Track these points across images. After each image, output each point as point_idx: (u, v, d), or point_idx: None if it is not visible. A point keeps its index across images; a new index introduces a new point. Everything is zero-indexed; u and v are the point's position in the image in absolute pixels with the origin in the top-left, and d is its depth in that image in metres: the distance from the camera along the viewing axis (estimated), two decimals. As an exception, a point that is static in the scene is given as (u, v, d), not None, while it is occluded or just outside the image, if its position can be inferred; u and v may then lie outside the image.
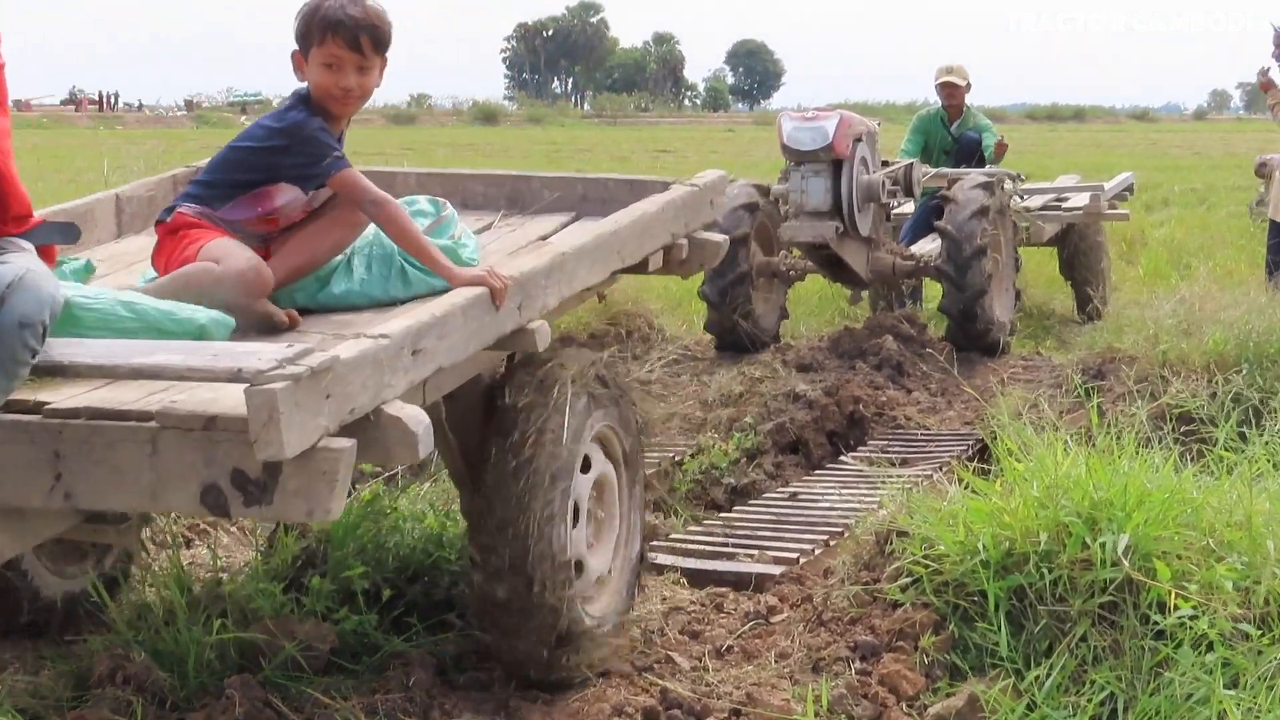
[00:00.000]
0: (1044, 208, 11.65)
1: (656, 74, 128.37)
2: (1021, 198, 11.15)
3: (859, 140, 9.40)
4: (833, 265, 9.73)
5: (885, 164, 10.10)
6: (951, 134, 11.88)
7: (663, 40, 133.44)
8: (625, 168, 30.90)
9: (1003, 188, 9.99)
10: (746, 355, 9.57)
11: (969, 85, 11.84)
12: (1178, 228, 17.01)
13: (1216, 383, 6.43)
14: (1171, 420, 5.77)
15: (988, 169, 11.06)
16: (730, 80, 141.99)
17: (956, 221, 9.49)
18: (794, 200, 9.34)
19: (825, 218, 9.23)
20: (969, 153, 11.65)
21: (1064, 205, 11.65)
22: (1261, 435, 4.68)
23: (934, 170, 10.84)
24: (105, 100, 75.20)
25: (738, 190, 9.60)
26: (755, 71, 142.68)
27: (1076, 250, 12.22)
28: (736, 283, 9.53)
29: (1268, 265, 9.96)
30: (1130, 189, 13.41)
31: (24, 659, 4.35)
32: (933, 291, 11.53)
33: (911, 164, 10.11)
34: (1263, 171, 17.59)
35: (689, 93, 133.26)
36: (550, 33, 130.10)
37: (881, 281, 10.37)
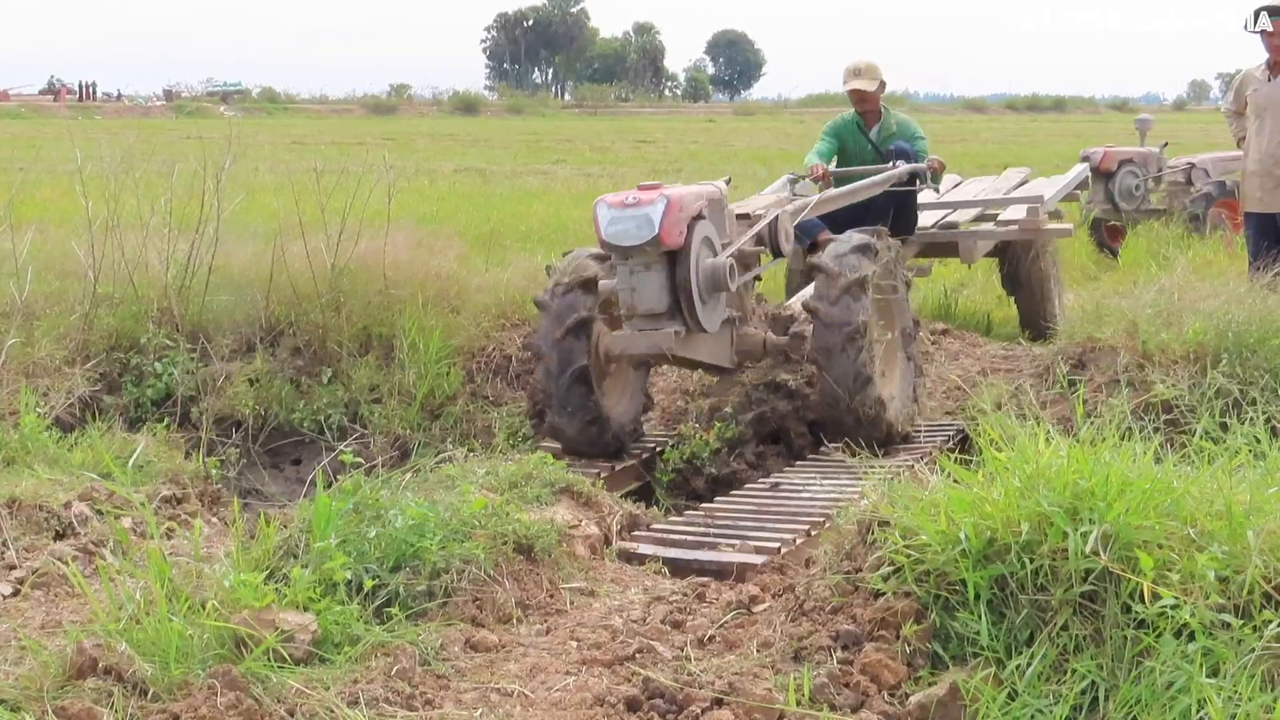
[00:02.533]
0: (978, 219, 10.90)
1: (637, 64, 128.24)
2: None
3: (698, 218, 7.33)
4: (684, 361, 7.79)
5: (744, 217, 8.13)
6: (872, 143, 10.15)
7: (643, 30, 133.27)
8: (606, 158, 30.90)
9: (883, 240, 8.02)
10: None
11: (883, 84, 10.13)
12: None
13: (1197, 373, 6.45)
14: (1153, 410, 5.78)
15: (902, 167, 9.62)
16: (711, 71, 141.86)
17: (827, 297, 7.50)
18: (624, 301, 7.29)
19: (663, 319, 7.22)
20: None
21: (1000, 218, 10.69)
22: (1242, 425, 4.69)
23: (809, 195, 8.99)
24: (84, 90, 74.90)
25: (572, 264, 7.66)
26: (736, 62, 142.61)
27: (1019, 264, 11.17)
28: (576, 381, 7.36)
29: (1250, 258, 9.99)
30: (1085, 183, 12.98)
31: (5, 649, 4.34)
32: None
33: (777, 216, 8.00)
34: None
35: (669, 83, 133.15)
36: (531, 23, 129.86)
37: (753, 361, 8.35)
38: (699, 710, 3.87)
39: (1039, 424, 4.31)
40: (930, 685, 3.85)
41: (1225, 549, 3.81)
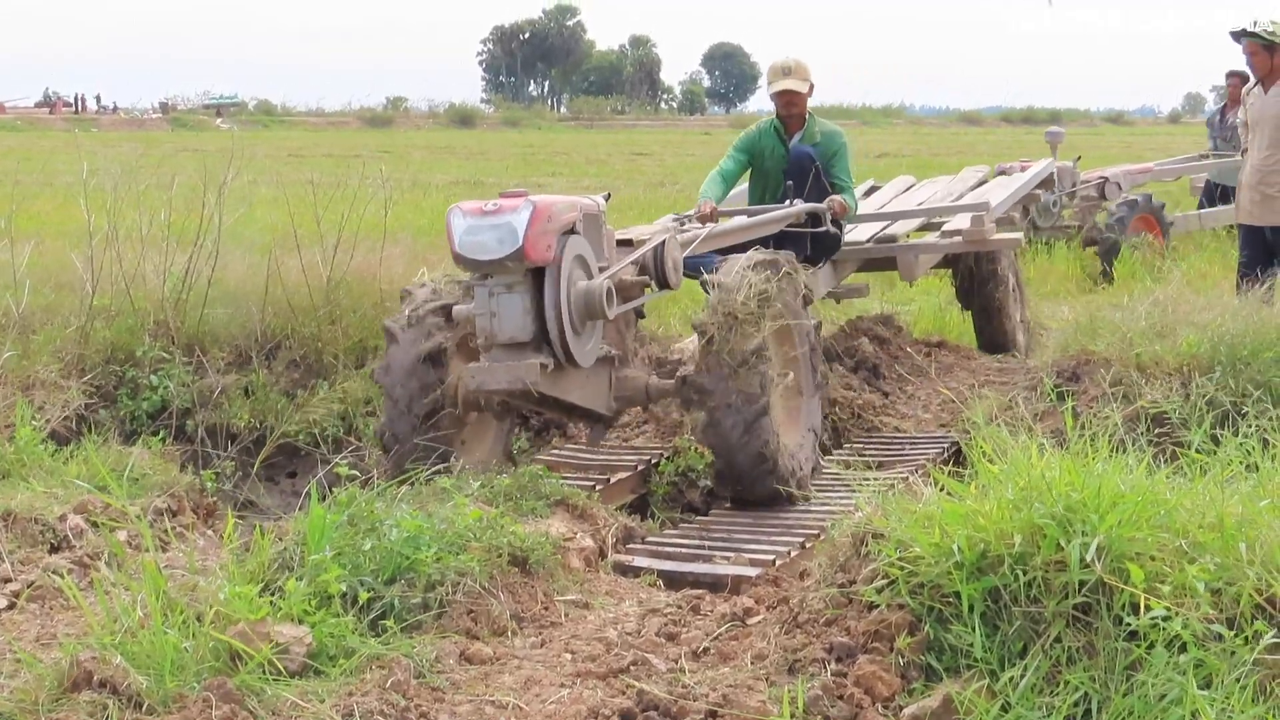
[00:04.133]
0: (923, 229, 10.15)
1: (633, 77, 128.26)
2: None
3: (570, 233, 6.40)
4: (554, 403, 6.77)
5: (627, 244, 7.18)
6: (789, 150, 9.13)
7: (639, 43, 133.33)
8: (602, 170, 30.93)
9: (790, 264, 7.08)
10: None
11: (812, 87, 9.12)
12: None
13: (1191, 385, 6.47)
14: (1145, 422, 5.80)
15: (799, 206, 8.60)
16: (706, 83, 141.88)
17: (716, 375, 6.47)
18: (482, 328, 6.29)
19: (527, 350, 6.26)
20: (801, 172, 8.92)
21: (945, 227, 9.70)
22: (1235, 437, 4.70)
23: (701, 228, 7.93)
24: (81, 102, 74.84)
25: (427, 292, 6.78)
26: (732, 75, 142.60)
27: (972, 275, 10.22)
28: (428, 417, 6.52)
29: (1240, 270, 10.01)
30: (1050, 181, 12.13)
31: (0, 662, 4.35)
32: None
33: (664, 243, 6.99)
34: None
35: (665, 96, 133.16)
36: (527, 35, 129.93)
37: (634, 407, 7.55)
38: (693, 722, 3.88)
39: (1032, 436, 4.32)
40: (924, 697, 3.86)
41: (1217, 561, 3.83)
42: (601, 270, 6.64)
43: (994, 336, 10.34)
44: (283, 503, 7.84)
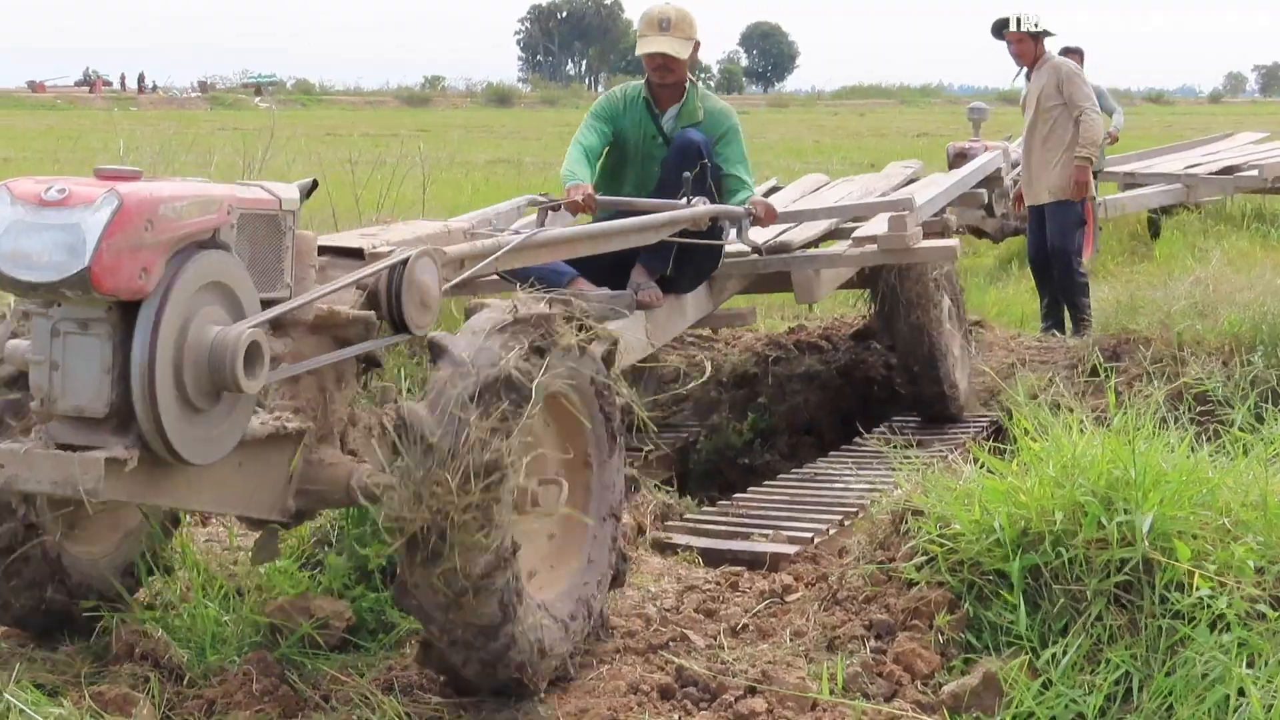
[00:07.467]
0: (829, 237, 7.74)
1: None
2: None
3: (210, 245, 3.56)
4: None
5: (354, 255, 4.28)
6: (664, 134, 6.76)
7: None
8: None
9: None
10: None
11: (697, 46, 6.79)
12: (1193, 211, 16.81)
13: (1233, 364, 6.43)
14: (1188, 401, 5.77)
15: (702, 208, 6.17)
16: (744, 63, 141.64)
17: (442, 400, 3.61)
18: (36, 384, 3.47)
19: (103, 431, 3.44)
20: (684, 164, 6.33)
21: (858, 233, 7.22)
22: (1278, 415, 4.68)
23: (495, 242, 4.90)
24: (124, 82, 75.13)
25: None
26: (769, 54, 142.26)
27: (895, 296, 7.59)
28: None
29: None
30: (998, 176, 10.41)
31: (43, 635, 4.38)
32: None
33: (407, 260, 4.11)
34: (959, 163, 11.86)
35: (703, 75, 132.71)
36: (564, 14, 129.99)
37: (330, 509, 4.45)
38: (732, 699, 3.88)
39: (1073, 414, 4.30)
40: (963, 675, 3.85)
41: (1261, 540, 3.81)
42: (267, 305, 3.76)
43: (920, 381, 7.77)
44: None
